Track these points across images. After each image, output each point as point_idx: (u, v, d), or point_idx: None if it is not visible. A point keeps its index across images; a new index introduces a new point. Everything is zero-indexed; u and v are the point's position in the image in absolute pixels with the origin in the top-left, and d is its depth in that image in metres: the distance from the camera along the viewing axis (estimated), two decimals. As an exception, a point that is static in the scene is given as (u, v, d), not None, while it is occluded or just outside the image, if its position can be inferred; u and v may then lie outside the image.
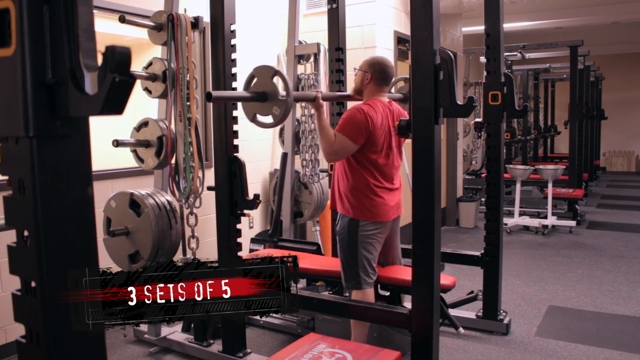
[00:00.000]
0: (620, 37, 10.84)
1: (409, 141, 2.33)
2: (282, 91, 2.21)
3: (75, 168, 1.00)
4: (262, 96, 2.20)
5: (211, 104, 2.97)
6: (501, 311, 3.47)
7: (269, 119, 2.28)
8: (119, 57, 0.85)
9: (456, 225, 6.76)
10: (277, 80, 2.22)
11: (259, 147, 4.94)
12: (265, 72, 2.23)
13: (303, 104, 4.25)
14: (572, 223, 6.32)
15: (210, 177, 2.98)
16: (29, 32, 0.90)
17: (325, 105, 2.86)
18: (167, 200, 2.91)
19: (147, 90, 3.06)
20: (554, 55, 8.28)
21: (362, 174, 2.74)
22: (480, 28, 3.67)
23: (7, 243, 1.02)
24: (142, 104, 4.14)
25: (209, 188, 3.01)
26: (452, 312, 3.23)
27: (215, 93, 2.13)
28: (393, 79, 3.10)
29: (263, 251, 3.73)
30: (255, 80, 2.27)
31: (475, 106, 2.53)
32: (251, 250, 3.85)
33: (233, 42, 2.77)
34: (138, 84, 3.00)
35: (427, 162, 2.16)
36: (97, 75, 0.89)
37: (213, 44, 2.77)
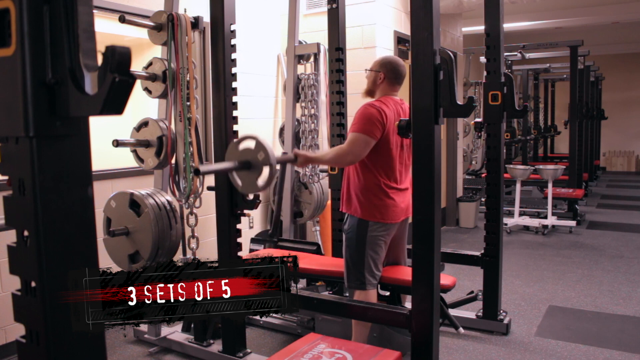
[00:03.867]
0: (620, 37, 10.83)
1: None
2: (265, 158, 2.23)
3: (75, 168, 1.00)
4: (247, 165, 2.25)
5: (211, 103, 2.98)
6: (501, 311, 3.47)
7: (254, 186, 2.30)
8: (119, 57, 0.85)
9: (456, 225, 6.75)
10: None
11: (259, 147, 4.93)
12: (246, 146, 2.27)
13: (303, 104, 4.26)
14: (572, 223, 6.32)
15: (210, 177, 2.98)
16: (29, 32, 0.90)
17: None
18: (167, 200, 2.90)
19: (147, 90, 3.06)
20: (554, 55, 8.28)
21: (374, 173, 2.73)
22: (480, 28, 3.66)
23: (7, 243, 1.02)
24: (142, 104, 4.14)
25: (209, 188, 3.01)
26: (452, 312, 3.23)
27: (203, 168, 2.21)
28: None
29: (263, 251, 3.73)
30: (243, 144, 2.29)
31: (475, 106, 2.53)
32: (251, 250, 3.85)
33: (233, 42, 2.77)
34: (138, 84, 3.00)
35: (427, 162, 2.16)
36: (97, 75, 0.89)
37: (213, 44, 2.77)
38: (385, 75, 2.80)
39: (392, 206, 2.75)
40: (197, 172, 2.12)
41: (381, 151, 2.70)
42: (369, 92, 2.90)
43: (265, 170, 2.23)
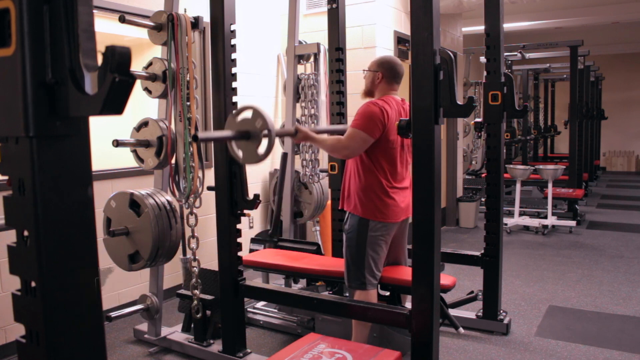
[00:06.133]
0: (620, 37, 10.84)
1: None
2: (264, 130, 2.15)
3: (75, 168, 1.00)
4: (245, 135, 2.18)
5: (211, 103, 2.98)
6: (501, 311, 3.47)
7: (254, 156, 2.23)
8: (119, 57, 0.85)
9: (456, 225, 6.75)
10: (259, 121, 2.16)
11: (259, 147, 4.93)
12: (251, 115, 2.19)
13: (303, 104, 4.26)
14: (572, 223, 6.32)
15: (210, 177, 2.98)
16: (29, 32, 0.90)
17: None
18: (167, 200, 2.90)
19: (147, 90, 3.06)
20: (554, 55, 8.28)
21: (374, 173, 2.73)
22: (480, 28, 3.66)
23: (7, 243, 1.02)
24: (142, 104, 4.13)
25: (209, 188, 3.01)
26: (452, 312, 3.23)
27: (201, 134, 2.14)
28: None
29: (263, 251, 3.73)
30: (242, 115, 2.22)
31: (475, 106, 2.53)
32: (251, 251, 3.85)
33: (233, 42, 2.77)
34: (138, 84, 3.00)
35: (427, 162, 2.16)
36: (97, 75, 0.89)
37: (213, 44, 2.77)
38: (383, 74, 2.81)
39: (393, 205, 2.76)
40: (195, 138, 2.08)
41: (382, 150, 2.71)
42: (368, 93, 2.90)
43: (265, 141, 2.17)
